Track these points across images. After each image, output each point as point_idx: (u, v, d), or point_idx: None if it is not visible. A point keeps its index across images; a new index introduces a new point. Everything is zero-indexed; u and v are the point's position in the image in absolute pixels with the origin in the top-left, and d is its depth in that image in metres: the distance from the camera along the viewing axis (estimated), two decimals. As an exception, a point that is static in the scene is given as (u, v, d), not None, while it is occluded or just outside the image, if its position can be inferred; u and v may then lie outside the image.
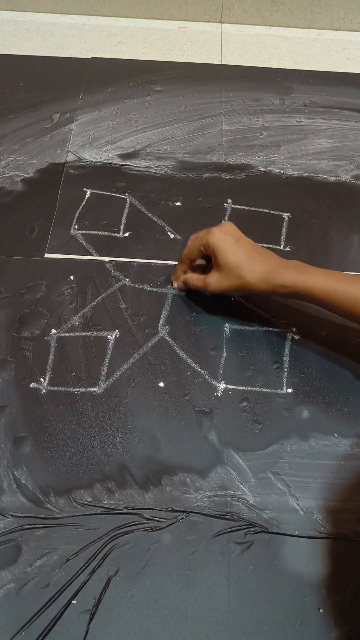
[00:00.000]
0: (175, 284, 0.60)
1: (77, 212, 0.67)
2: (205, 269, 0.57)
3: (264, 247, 0.63)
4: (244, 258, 0.51)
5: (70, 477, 0.48)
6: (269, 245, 0.64)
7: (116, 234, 0.65)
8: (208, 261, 0.56)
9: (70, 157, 0.73)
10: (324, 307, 0.50)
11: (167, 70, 0.85)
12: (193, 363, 0.55)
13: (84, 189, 0.69)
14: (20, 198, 0.68)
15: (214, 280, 0.53)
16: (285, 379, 0.54)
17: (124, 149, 0.74)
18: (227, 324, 0.58)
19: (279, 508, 0.47)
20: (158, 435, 0.50)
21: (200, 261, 0.57)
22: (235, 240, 0.52)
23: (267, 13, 0.92)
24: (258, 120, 0.78)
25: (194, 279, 0.56)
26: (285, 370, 0.55)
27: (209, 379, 0.54)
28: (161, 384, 0.53)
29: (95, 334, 0.57)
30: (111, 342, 0.56)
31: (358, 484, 0.48)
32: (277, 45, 0.91)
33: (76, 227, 0.65)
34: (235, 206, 0.68)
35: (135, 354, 0.55)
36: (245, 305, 0.59)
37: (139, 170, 0.71)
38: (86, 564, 0.44)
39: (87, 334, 0.57)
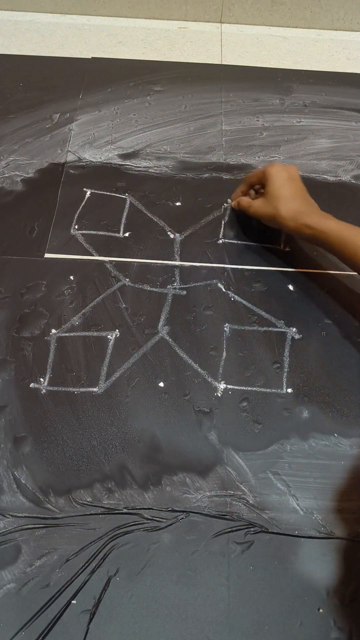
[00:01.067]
0: (231, 202, 0.66)
1: (77, 212, 0.67)
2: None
3: (264, 247, 0.64)
4: (287, 193, 0.57)
5: (70, 477, 0.48)
6: (269, 246, 0.64)
7: (116, 234, 0.65)
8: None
9: (70, 157, 0.73)
10: (338, 255, 0.53)
11: (167, 70, 0.85)
12: (193, 363, 0.55)
13: (84, 189, 0.69)
14: (20, 198, 0.68)
15: (257, 204, 0.60)
16: (285, 379, 0.54)
17: (124, 149, 0.74)
18: (227, 324, 0.58)
19: (279, 508, 0.47)
20: (158, 435, 0.50)
21: (256, 187, 0.64)
22: (289, 178, 0.58)
23: (267, 13, 0.92)
24: (258, 120, 0.78)
25: (245, 200, 0.62)
26: (285, 370, 0.55)
27: (209, 379, 0.54)
28: (161, 384, 0.53)
29: (95, 334, 0.57)
30: (111, 342, 0.56)
31: (358, 484, 0.48)
32: (277, 45, 0.91)
33: (76, 227, 0.65)
34: (235, 206, 0.68)
35: (135, 354, 0.55)
36: (245, 306, 0.59)
37: (139, 170, 0.71)
38: (86, 564, 0.44)
39: (87, 334, 0.57)
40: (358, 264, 0.52)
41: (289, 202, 0.56)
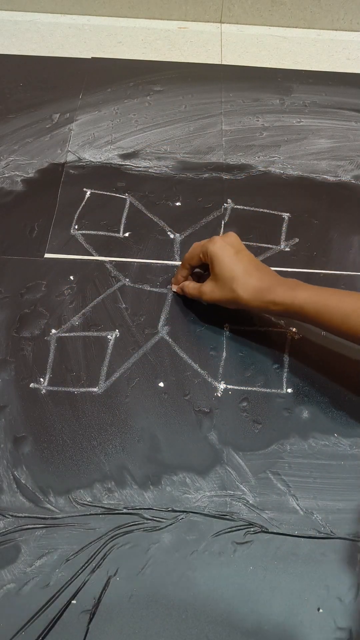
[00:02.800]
0: (174, 287, 0.59)
1: (77, 212, 0.67)
2: (201, 278, 0.58)
3: (261, 246, 0.64)
4: (239, 271, 0.50)
5: (70, 477, 0.48)
6: (269, 245, 0.64)
7: (116, 234, 0.65)
8: (206, 269, 0.56)
9: (70, 157, 0.73)
10: (316, 325, 0.48)
11: (167, 70, 0.85)
12: (193, 363, 0.55)
13: (84, 189, 0.69)
14: (20, 198, 0.68)
15: (208, 289, 0.53)
16: (285, 379, 0.54)
17: (124, 149, 0.74)
18: (227, 324, 0.58)
19: (278, 508, 0.47)
20: (158, 435, 0.50)
21: (197, 270, 0.58)
22: (235, 252, 0.52)
23: (267, 13, 0.92)
24: (258, 120, 0.78)
25: (190, 287, 0.56)
26: (285, 370, 0.55)
27: (209, 379, 0.54)
28: (161, 384, 0.53)
29: (95, 334, 0.57)
30: (111, 342, 0.56)
31: (358, 484, 0.48)
32: (277, 45, 0.91)
33: (76, 227, 0.65)
34: (235, 206, 0.68)
35: (135, 354, 0.55)
36: (245, 305, 0.59)
37: (139, 170, 0.71)
38: (86, 564, 0.44)
39: (87, 334, 0.57)
40: (342, 330, 0.46)
41: (246, 281, 0.50)
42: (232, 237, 0.53)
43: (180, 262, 0.62)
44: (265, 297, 0.49)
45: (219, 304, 0.54)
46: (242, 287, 0.50)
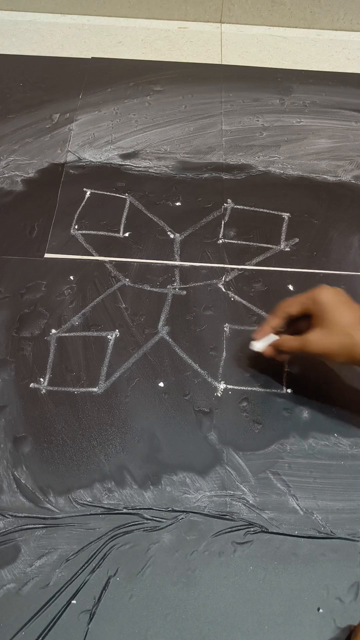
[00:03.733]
0: (259, 345, 0.51)
1: (77, 212, 0.67)
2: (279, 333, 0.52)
3: (261, 246, 0.64)
4: (357, 319, 0.46)
5: (70, 477, 0.48)
6: (269, 246, 0.64)
7: (116, 234, 0.65)
8: (290, 324, 0.51)
9: (70, 157, 0.73)
10: None
11: (167, 70, 0.85)
12: (193, 363, 0.55)
13: (84, 189, 0.69)
14: (20, 198, 0.68)
15: (315, 338, 0.47)
16: (285, 379, 0.54)
17: (124, 149, 0.74)
18: (227, 324, 0.58)
19: (279, 508, 0.47)
20: (158, 435, 0.50)
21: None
22: (349, 302, 0.48)
23: (267, 13, 0.92)
24: (258, 120, 0.78)
25: (289, 339, 0.50)
26: (285, 370, 0.55)
27: (209, 379, 0.54)
28: (161, 384, 0.53)
29: (95, 334, 0.57)
30: (111, 342, 0.56)
31: (358, 484, 0.48)
32: (277, 45, 0.91)
33: (76, 227, 0.65)
34: (235, 206, 0.68)
35: (135, 354, 0.55)
36: (245, 306, 0.59)
37: (139, 170, 0.71)
38: (86, 564, 0.44)
39: (87, 334, 0.57)
40: None
41: None
42: (342, 290, 0.50)
43: (180, 262, 0.62)
44: None
45: (325, 357, 0.48)
46: None
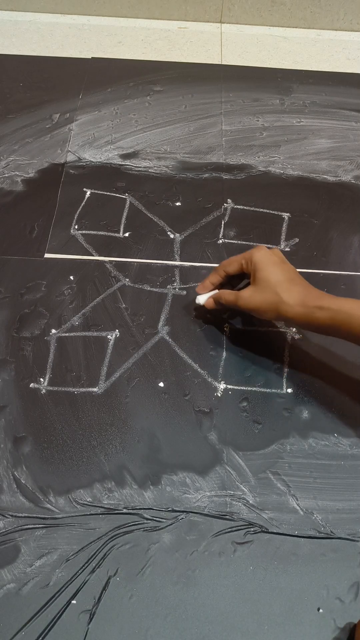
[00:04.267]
0: (202, 298, 0.56)
1: (77, 212, 0.67)
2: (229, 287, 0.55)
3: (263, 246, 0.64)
4: (285, 278, 0.49)
5: (70, 477, 0.48)
6: (269, 246, 0.64)
7: (116, 234, 0.65)
8: (234, 278, 0.54)
9: (70, 157, 0.73)
10: (356, 335, 0.45)
11: (167, 70, 0.85)
12: (193, 363, 0.55)
13: (84, 189, 0.69)
14: (20, 198, 0.68)
15: (247, 294, 0.50)
16: (285, 379, 0.54)
17: (124, 149, 0.74)
18: (227, 324, 0.58)
19: (279, 508, 0.47)
20: (158, 435, 0.50)
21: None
22: (280, 261, 0.51)
23: (266, 13, 0.92)
24: (258, 120, 0.78)
25: (227, 292, 0.53)
26: (285, 370, 0.55)
27: (209, 379, 0.54)
28: (161, 384, 0.53)
29: (95, 334, 0.57)
30: (111, 342, 0.56)
31: (358, 484, 0.48)
32: (276, 45, 0.91)
33: (76, 227, 0.65)
34: (235, 206, 0.68)
35: (135, 354, 0.55)
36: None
37: (139, 170, 0.71)
38: (86, 564, 0.44)
39: (87, 334, 0.57)
40: None
41: (291, 288, 0.48)
42: (277, 250, 0.52)
43: (180, 262, 0.62)
44: (311, 302, 0.47)
45: (255, 313, 0.51)
46: (287, 291, 0.48)
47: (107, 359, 0.55)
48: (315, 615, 0.42)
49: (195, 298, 0.56)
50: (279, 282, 0.49)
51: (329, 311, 0.46)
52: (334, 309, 0.46)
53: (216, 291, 0.55)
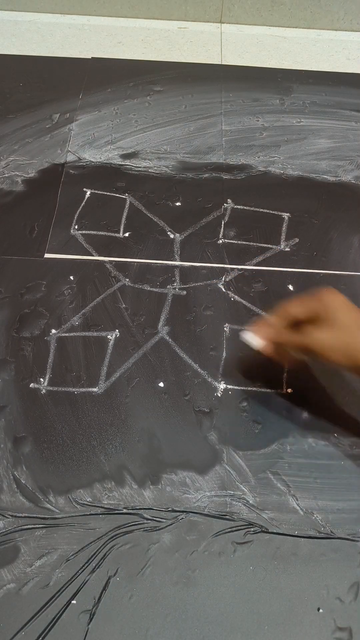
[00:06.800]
0: (258, 342, 0.49)
1: (77, 212, 0.67)
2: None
3: (261, 246, 0.64)
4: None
5: (70, 477, 0.48)
6: (269, 246, 0.64)
7: (116, 234, 0.65)
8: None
9: (70, 157, 0.73)
10: None
11: (167, 70, 0.85)
12: (193, 363, 0.55)
13: (84, 189, 0.69)
14: (20, 198, 0.68)
15: (326, 337, 0.45)
16: (285, 379, 0.54)
17: (124, 149, 0.74)
18: (227, 324, 0.58)
19: (278, 508, 0.47)
20: (158, 435, 0.50)
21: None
22: (349, 303, 0.46)
23: (267, 13, 0.92)
24: (258, 120, 0.78)
25: (295, 337, 0.47)
26: (285, 370, 0.55)
27: (209, 379, 0.54)
28: (161, 384, 0.53)
29: (95, 334, 0.57)
30: (111, 342, 0.56)
31: (358, 484, 0.48)
32: (277, 45, 0.91)
33: (76, 227, 0.65)
34: (235, 206, 0.68)
35: (135, 354, 0.55)
36: (245, 306, 0.59)
37: (139, 170, 0.71)
38: (86, 564, 0.44)
39: (87, 334, 0.57)
40: None
41: None
42: (341, 294, 0.48)
43: (180, 262, 0.62)
44: None
45: (328, 357, 0.45)
46: None
47: (107, 359, 0.55)
48: (315, 615, 0.42)
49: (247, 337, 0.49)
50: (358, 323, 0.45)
51: None
52: None
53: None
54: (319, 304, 0.46)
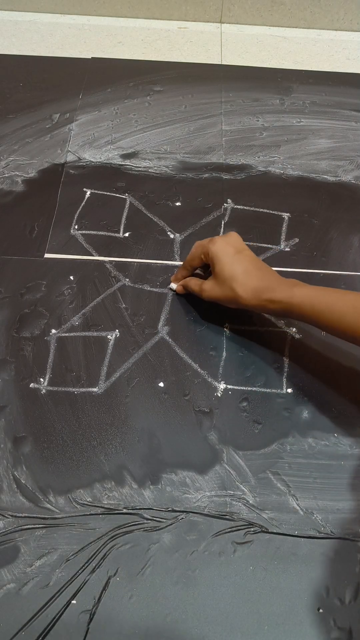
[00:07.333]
0: (174, 285, 0.59)
1: (77, 212, 0.67)
2: (204, 276, 0.58)
3: (261, 246, 0.64)
4: (240, 271, 0.50)
5: (70, 477, 0.48)
6: (269, 246, 0.64)
7: (116, 234, 0.65)
8: (207, 269, 0.57)
9: (70, 157, 0.73)
10: (313, 324, 0.48)
11: (167, 70, 0.85)
12: (193, 363, 0.55)
13: (84, 189, 0.69)
14: (20, 198, 0.68)
15: (208, 287, 0.53)
16: (285, 379, 0.54)
17: (124, 149, 0.74)
18: (227, 324, 0.58)
19: (279, 508, 0.47)
20: (158, 435, 0.50)
21: (199, 271, 0.58)
22: (236, 252, 0.52)
23: (266, 13, 0.92)
24: (258, 120, 0.78)
25: (192, 282, 0.56)
26: (285, 370, 0.55)
27: (209, 379, 0.54)
28: (161, 384, 0.53)
29: (95, 334, 0.57)
30: (111, 342, 0.56)
31: (358, 484, 0.48)
32: (277, 45, 0.91)
33: (76, 227, 0.65)
34: (235, 206, 0.68)
35: (135, 354, 0.55)
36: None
37: (139, 170, 0.71)
38: (86, 564, 0.44)
39: (87, 334, 0.57)
40: (339, 329, 0.46)
41: (246, 280, 0.50)
42: (234, 236, 0.54)
43: (180, 262, 0.62)
44: (264, 295, 0.49)
45: (219, 302, 0.54)
46: (242, 286, 0.50)
47: (107, 359, 0.55)
48: (315, 615, 0.42)
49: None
50: (233, 276, 0.50)
51: (281, 304, 0.48)
52: (284, 302, 0.48)
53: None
54: (206, 256, 0.54)
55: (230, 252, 0.52)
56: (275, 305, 0.49)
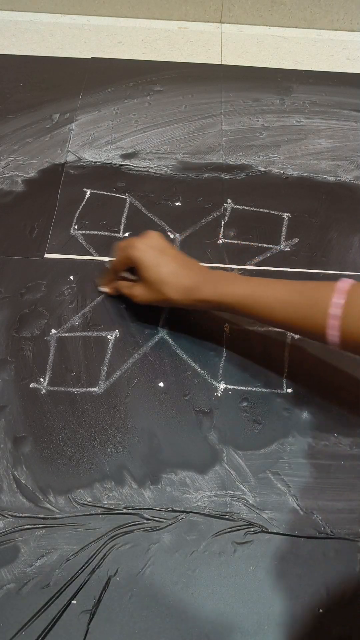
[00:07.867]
0: (103, 288, 0.59)
1: (77, 212, 0.67)
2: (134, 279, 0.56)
3: (261, 246, 0.64)
4: (166, 273, 0.50)
5: (70, 477, 0.48)
6: (269, 246, 0.64)
7: (116, 234, 0.65)
8: (134, 271, 0.55)
9: (70, 157, 0.73)
10: (248, 317, 0.48)
11: (167, 70, 0.85)
12: (193, 363, 0.55)
13: (84, 189, 0.69)
14: (20, 198, 0.68)
15: (138, 292, 0.53)
16: (285, 379, 0.54)
17: (124, 149, 0.74)
18: (226, 324, 0.58)
19: (278, 508, 0.47)
20: (158, 435, 0.50)
21: (125, 274, 0.57)
22: (159, 253, 0.51)
23: (266, 13, 0.92)
24: (258, 120, 0.78)
25: (122, 285, 0.56)
26: (285, 370, 0.55)
27: (209, 379, 0.54)
28: (161, 384, 0.53)
29: (95, 334, 0.57)
30: (111, 342, 0.56)
31: (358, 484, 0.48)
32: (277, 45, 0.91)
33: (76, 227, 0.65)
34: (235, 206, 0.68)
35: (135, 354, 0.55)
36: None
37: (139, 170, 0.71)
38: (86, 564, 0.44)
39: (87, 334, 0.57)
40: (272, 322, 0.47)
41: (174, 281, 0.50)
42: (154, 237, 0.53)
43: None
44: (194, 295, 0.49)
45: (152, 305, 0.54)
46: (171, 288, 0.50)
47: (107, 359, 0.55)
48: (315, 615, 0.42)
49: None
50: (161, 279, 0.50)
51: (210, 303, 0.49)
52: (214, 301, 0.49)
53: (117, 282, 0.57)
54: (131, 263, 0.53)
55: (153, 255, 0.51)
56: (206, 304, 0.49)
